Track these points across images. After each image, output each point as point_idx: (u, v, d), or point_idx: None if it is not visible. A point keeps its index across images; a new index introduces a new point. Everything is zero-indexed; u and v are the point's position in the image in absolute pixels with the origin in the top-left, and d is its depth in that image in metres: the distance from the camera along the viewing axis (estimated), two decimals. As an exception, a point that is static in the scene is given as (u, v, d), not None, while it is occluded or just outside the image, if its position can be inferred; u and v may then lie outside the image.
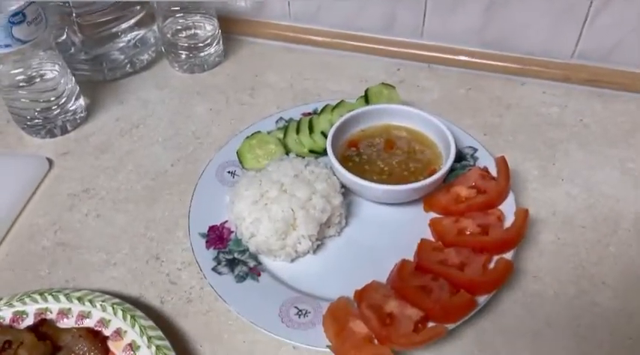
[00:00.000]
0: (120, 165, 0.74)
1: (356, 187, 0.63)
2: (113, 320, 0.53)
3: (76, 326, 0.53)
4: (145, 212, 0.68)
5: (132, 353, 0.51)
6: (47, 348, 0.50)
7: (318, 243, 0.61)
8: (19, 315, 0.54)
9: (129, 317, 0.53)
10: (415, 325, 0.51)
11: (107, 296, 0.56)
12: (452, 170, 0.65)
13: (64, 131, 0.79)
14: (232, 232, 0.62)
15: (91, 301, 0.55)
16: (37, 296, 0.55)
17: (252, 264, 0.59)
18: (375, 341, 0.51)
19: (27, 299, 0.55)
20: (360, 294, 0.55)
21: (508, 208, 0.61)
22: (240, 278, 0.57)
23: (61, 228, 0.67)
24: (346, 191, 0.64)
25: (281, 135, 0.71)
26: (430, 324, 0.52)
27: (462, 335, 0.54)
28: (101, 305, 0.55)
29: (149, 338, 0.51)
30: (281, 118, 0.75)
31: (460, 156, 0.68)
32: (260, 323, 0.53)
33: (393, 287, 0.55)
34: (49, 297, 0.55)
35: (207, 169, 0.69)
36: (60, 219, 0.68)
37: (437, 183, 0.63)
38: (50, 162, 0.75)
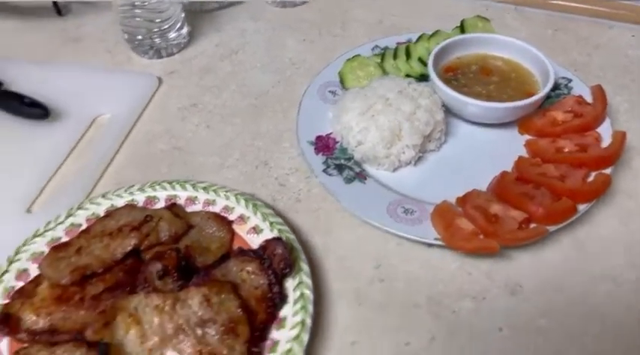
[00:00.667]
0: (223, 85, 0.79)
1: (457, 104, 0.66)
2: (237, 208, 0.59)
3: (203, 211, 0.59)
4: (250, 125, 0.73)
5: (256, 235, 0.56)
6: (183, 224, 0.56)
7: (420, 155, 0.65)
8: (152, 199, 0.60)
9: (251, 205, 0.59)
10: (519, 225, 0.55)
11: (229, 187, 0.61)
12: (547, 98, 0.67)
13: (170, 53, 0.84)
14: (337, 142, 0.66)
15: (215, 191, 0.60)
16: (166, 184, 0.61)
17: (357, 170, 0.64)
18: (481, 237, 0.55)
19: (157, 187, 0.61)
20: (463, 199, 0.59)
21: (604, 131, 0.64)
22: (349, 180, 0.62)
23: (174, 136, 0.72)
24: (445, 111, 0.68)
25: (378, 60, 0.75)
26: (532, 226, 0.56)
27: (560, 239, 0.58)
28: (225, 194, 0.60)
29: (271, 223, 0.57)
30: (376, 46, 0.79)
31: (555, 86, 0.70)
32: (371, 217, 0.57)
33: (495, 194, 0.59)
34: (177, 186, 0.61)
35: (309, 88, 0.73)
36: (173, 128, 0.73)
37: (535, 104, 0.65)
38: (159, 79, 0.80)
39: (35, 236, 0.57)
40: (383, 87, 0.66)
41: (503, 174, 0.61)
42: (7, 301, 0.51)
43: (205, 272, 0.51)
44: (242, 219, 0.58)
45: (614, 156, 0.60)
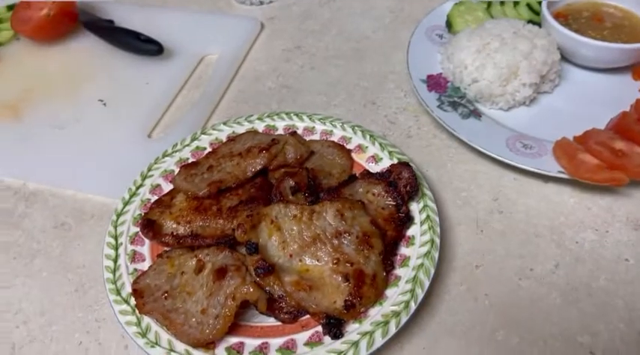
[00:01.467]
0: (324, 30, 0.81)
1: (572, 45, 0.66)
2: (354, 138, 0.60)
3: (323, 139, 0.61)
4: (355, 67, 0.74)
5: (375, 163, 0.58)
6: (307, 148, 0.58)
7: (534, 95, 0.65)
8: (271, 128, 0.62)
9: (368, 135, 0.60)
10: (645, 160, 0.54)
11: (344, 119, 0.62)
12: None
13: (269, 1, 0.86)
14: (449, 82, 0.67)
15: (331, 122, 0.62)
16: (284, 115, 0.63)
17: (471, 107, 0.64)
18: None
19: (275, 117, 0.63)
20: (584, 136, 0.58)
21: None
22: (464, 116, 0.62)
23: (281, 75, 0.74)
24: (559, 54, 0.67)
25: (485, 6, 0.74)
26: (658, 163, 0.55)
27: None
28: (341, 125, 0.61)
29: (390, 152, 0.58)
30: (481, -7, 0.78)
31: None
32: (491, 150, 0.58)
33: (617, 132, 0.58)
34: (294, 117, 0.63)
35: (417, 30, 0.73)
36: (279, 68, 0.75)
37: None
38: (261, 24, 0.82)
39: (165, 155, 0.60)
40: (497, 27, 0.66)
41: (624, 113, 0.60)
42: (145, 211, 0.54)
43: (334, 191, 0.53)
44: (360, 148, 0.59)
45: None
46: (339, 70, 0.74)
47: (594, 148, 0.56)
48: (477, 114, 0.63)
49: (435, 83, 0.66)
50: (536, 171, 0.56)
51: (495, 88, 0.62)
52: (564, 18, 0.71)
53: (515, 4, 0.74)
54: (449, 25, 0.73)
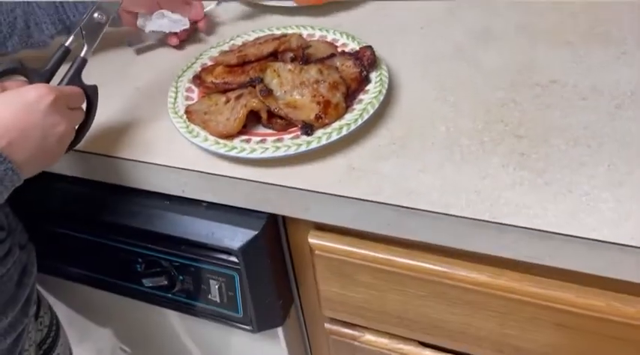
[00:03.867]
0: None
1: None
2: (340, 39, 0.86)
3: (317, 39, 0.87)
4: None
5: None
6: (305, 41, 0.84)
7: None
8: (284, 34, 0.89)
9: (350, 37, 0.86)
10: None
11: (335, 28, 0.88)
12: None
13: None
14: None
15: (326, 30, 0.88)
16: (294, 26, 0.90)
17: None
18: None
19: (289, 29, 0.90)
20: None
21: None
22: None
23: None
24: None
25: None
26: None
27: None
28: (333, 32, 0.88)
29: (358, 42, 0.83)
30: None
31: None
32: None
33: None
34: (302, 28, 0.90)
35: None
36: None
37: None
38: None
39: (211, 48, 0.88)
40: None
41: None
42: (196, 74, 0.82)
43: (320, 61, 0.79)
44: (344, 44, 0.85)
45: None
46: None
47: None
48: None
49: None
50: None
51: None
52: None
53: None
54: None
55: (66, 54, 0.70)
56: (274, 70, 0.75)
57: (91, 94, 0.68)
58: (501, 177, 0.63)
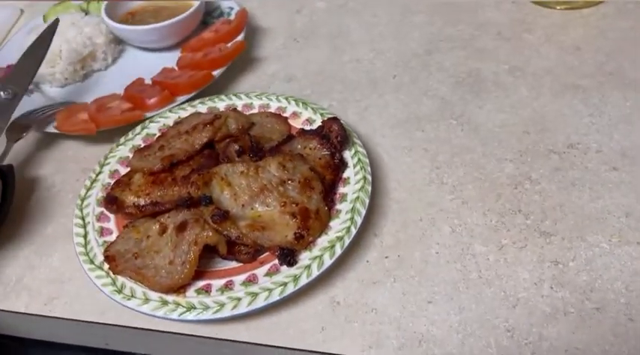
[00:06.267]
0: None
1: (116, 31, 0.82)
2: (288, 107, 0.67)
3: (261, 111, 0.68)
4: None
5: (310, 125, 0.65)
6: (247, 119, 0.64)
7: (83, 72, 0.82)
8: (212, 109, 0.69)
9: (301, 103, 0.67)
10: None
11: (278, 93, 0.69)
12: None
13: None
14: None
15: (267, 97, 0.69)
16: (224, 97, 0.70)
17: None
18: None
19: (216, 99, 0.70)
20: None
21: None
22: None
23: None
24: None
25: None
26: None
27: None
28: (276, 98, 0.68)
29: (321, 113, 0.65)
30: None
31: (220, 13, 0.87)
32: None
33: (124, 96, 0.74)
34: (234, 97, 0.69)
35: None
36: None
37: (179, 25, 0.80)
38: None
39: (118, 145, 0.65)
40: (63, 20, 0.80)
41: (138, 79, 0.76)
42: (107, 192, 0.59)
43: (275, 149, 0.60)
44: (295, 114, 0.66)
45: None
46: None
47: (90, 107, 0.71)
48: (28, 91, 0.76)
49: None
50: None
51: (45, 69, 0.77)
52: (132, 14, 0.87)
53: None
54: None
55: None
56: (222, 178, 0.55)
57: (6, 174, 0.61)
58: (537, 305, 0.47)
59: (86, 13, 0.88)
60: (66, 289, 0.56)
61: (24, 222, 0.62)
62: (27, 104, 0.72)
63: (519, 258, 0.50)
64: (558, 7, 0.77)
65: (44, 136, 0.73)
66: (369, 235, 0.56)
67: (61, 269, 0.58)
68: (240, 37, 0.78)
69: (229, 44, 0.77)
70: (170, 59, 0.79)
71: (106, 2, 0.84)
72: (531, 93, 0.66)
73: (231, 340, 0.50)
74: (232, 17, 0.84)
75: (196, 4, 0.82)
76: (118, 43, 0.86)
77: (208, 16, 0.87)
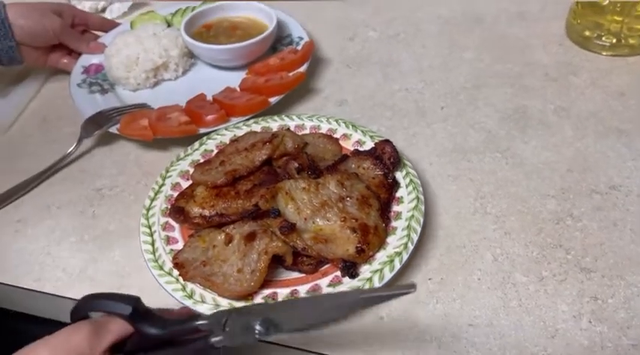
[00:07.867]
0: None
1: (192, 47, 0.86)
2: (339, 129, 0.71)
3: (313, 132, 0.71)
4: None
5: (360, 147, 0.68)
6: (302, 139, 0.68)
7: (154, 80, 0.86)
8: (266, 129, 0.72)
9: (350, 125, 0.71)
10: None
11: (329, 115, 0.73)
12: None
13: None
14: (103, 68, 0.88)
15: (318, 118, 0.72)
16: (276, 117, 0.73)
17: (106, 86, 0.86)
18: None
19: (269, 119, 0.73)
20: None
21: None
22: (92, 92, 0.84)
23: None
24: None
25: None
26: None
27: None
28: (327, 120, 0.72)
29: (371, 136, 0.69)
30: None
31: (289, 42, 0.89)
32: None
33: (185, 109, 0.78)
34: (286, 118, 0.73)
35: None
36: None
37: (251, 47, 0.83)
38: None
39: (178, 159, 0.69)
40: (143, 30, 0.87)
41: (200, 94, 0.80)
42: (171, 203, 0.62)
43: (332, 168, 0.63)
44: (346, 136, 0.70)
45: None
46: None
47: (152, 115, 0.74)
48: (104, 91, 0.84)
49: (93, 69, 0.88)
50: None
51: (121, 72, 0.82)
52: (208, 28, 0.90)
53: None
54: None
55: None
56: (286, 193, 0.58)
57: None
58: (576, 337, 0.49)
59: (169, 25, 0.92)
60: (126, 283, 0.59)
61: (89, 219, 0.67)
62: (101, 102, 0.81)
63: (559, 291, 0.53)
64: (604, 53, 0.81)
65: (109, 137, 0.77)
66: (414, 256, 0.58)
67: (121, 263, 0.61)
68: (302, 68, 0.81)
69: (291, 73, 0.79)
70: (235, 78, 0.83)
71: (187, 17, 0.87)
72: (576, 133, 0.69)
73: (284, 345, 0.52)
74: (299, 47, 0.85)
75: (269, 28, 0.84)
76: (191, 56, 0.89)
77: (278, 42, 0.90)
